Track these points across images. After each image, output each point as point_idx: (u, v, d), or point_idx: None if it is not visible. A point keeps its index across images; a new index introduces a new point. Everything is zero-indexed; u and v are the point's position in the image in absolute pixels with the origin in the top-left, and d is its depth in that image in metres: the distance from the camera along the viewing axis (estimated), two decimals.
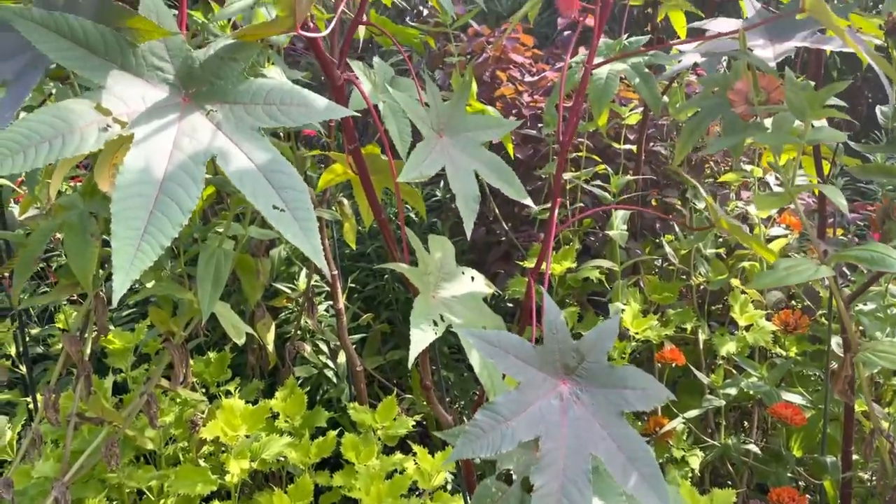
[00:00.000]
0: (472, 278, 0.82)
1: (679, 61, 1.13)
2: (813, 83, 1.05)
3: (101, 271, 1.04)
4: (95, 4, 0.62)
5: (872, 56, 0.76)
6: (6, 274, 1.18)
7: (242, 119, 0.63)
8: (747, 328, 1.40)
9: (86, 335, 1.06)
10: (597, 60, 0.92)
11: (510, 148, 1.54)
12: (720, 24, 0.98)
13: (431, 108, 0.81)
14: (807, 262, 0.81)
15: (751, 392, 1.32)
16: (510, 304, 1.77)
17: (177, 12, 0.72)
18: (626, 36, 1.35)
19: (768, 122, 0.91)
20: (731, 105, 0.86)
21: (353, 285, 1.85)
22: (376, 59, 1.04)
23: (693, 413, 1.32)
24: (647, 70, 1.24)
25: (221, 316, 1.09)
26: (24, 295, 1.88)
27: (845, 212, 0.79)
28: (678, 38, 1.49)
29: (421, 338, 0.68)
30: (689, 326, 1.46)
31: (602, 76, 1.17)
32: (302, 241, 0.58)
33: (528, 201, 0.83)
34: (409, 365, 0.67)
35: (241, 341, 1.09)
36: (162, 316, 1.07)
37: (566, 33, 2.07)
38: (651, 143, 1.67)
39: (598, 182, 1.50)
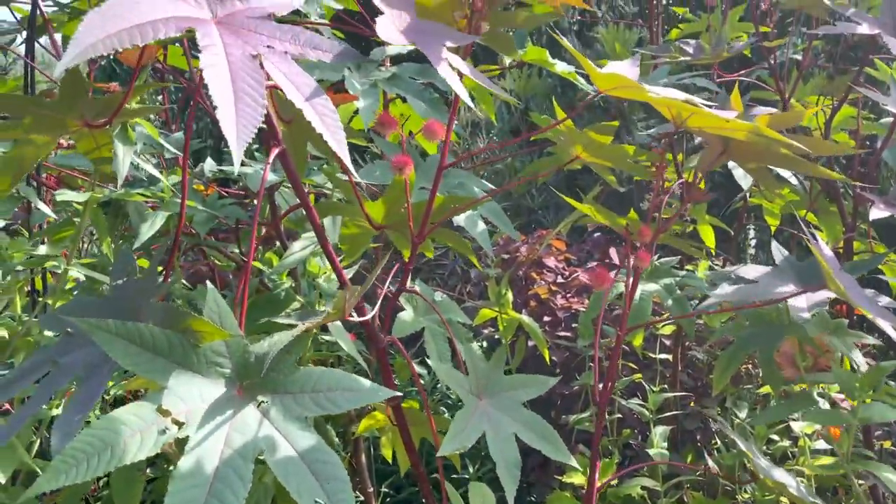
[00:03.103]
0: None
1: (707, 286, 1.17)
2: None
3: None
4: (164, 308, 0.68)
5: None
6: None
7: (290, 409, 0.66)
8: None
9: None
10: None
11: (545, 353, 1.56)
12: (749, 272, 1.01)
13: (471, 372, 0.84)
14: None
15: None
16: None
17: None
18: (656, 256, 1.40)
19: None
20: (778, 367, 0.88)
21: None
22: (419, 283, 1.09)
23: None
24: (679, 292, 1.28)
25: None
26: None
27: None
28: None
29: None
30: None
31: (635, 298, 1.21)
32: None
33: (572, 461, 0.83)
34: None
35: None
36: None
37: (596, 234, 2.16)
38: (688, 350, 1.68)
39: (637, 401, 1.50)
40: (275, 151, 0.74)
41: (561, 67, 1.12)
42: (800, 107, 1.45)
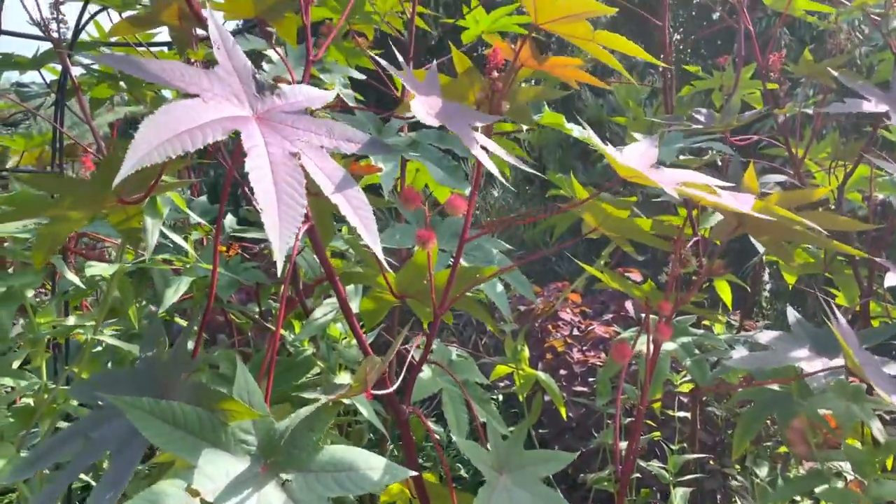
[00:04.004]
0: None
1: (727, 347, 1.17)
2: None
3: None
4: (194, 386, 0.69)
5: None
6: None
7: (313, 487, 0.67)
8: None
9: None
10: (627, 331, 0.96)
11: (563, 410, 1.56)
12: (765, 336, 1.02)
13: (492, 447, 0.84)
14: None
15: None
16: None
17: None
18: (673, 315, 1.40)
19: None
20: (790, 444, 0.88)
21: None
22: (437, 343, 1.10)
23: None
24: (697, 351, 1.28)
25: None
26: None
27: None
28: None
29: None
30: None
31: (659, 352, 1.21)
32: None
33: None
34: None
35: None
36: None
37: (611, 290, 2.16)
38: (706, 406, 1.67)
39: (656, 461, 1.49)
40: (304, 227, 0.76)
41: (577, 133, 1.14)
42: (814, 166, 1.47)
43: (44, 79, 1.48)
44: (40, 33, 1.33)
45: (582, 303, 2.03)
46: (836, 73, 1.04)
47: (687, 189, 0.69)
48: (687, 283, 1.68)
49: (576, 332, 1.87)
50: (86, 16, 1.38)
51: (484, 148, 0.70)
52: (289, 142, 0.57)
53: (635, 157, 0.75)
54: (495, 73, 0.81)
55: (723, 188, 0.73)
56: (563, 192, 1.51)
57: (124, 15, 1.38)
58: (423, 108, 0.67)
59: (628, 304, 1.98)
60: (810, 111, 2.14)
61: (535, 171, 0.87)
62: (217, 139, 0.52)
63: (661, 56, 1.64)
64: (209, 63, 0.97)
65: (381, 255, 0.58)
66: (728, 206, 0.69)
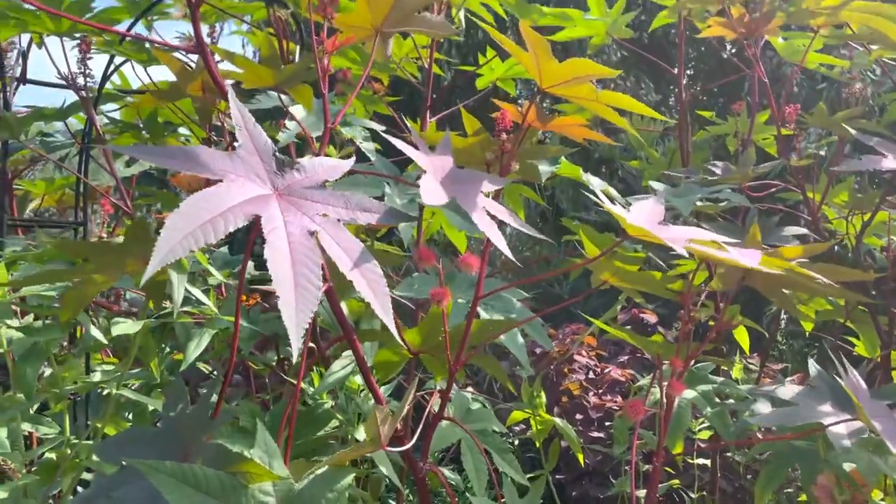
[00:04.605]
0: None
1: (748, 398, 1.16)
2: None
3: None
4: (216, 449, 0.70)
5: None
6: None
7: None
8: None
9: None
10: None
11: (580, 456, 1.55)
12: (787, 392, 1.01)
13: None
14: None
15: None
16: None
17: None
18: (692, 362, 1.40)
19: None
20: (815, 501, 0.87)
21: None
22: (454, 392, 1.10)
23: None
24: (717, 400, 1.26)
25: None
26: None
27: None
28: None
29: None
30: None
31: (673, 406, 1.20)
32: None
33: None
34: None
35: None
36: None
37: (628, 327, 2.15)
38: (727, 453, 1.65)
39: None
40: (324, 287, 0.77)
41: (594, 186, 1.15)
42: (831, 213, 1.47)
43: (68, 128, 1.51)
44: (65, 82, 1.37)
45: (597, 344, 2.03)
46: (853, 131, 1.05)
47: (694, 246, 0.70)
48: (703, 329, 1.68)
49: (591, 374, 1.87)
50: (110, 67, 1.42)
51: (492, 216, 0.71)
52: (308, 217, 0.58)
53: (643, 215, 0.76)
54: (504, 136, 0.82)
55: (730, 243, 0.73)
56: (578, 264, 1.52)
57: (150, 69, 1.42)
58: (431, 188, 0.68)
59: None
60: (823, 152, 2.14)
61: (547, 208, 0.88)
62: (239, 225, 0.54)
63: (674, 97, 1.65)
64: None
65: (394, 331, 0.59)
66: (735, 262, 0.70)
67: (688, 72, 4.05)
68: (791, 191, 1.58)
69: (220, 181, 0.57)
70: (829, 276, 0.78)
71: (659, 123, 2.17)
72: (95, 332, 0.91)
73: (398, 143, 0.70)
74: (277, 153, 0.63)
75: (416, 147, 0.72)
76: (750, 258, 0.69)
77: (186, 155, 0.57)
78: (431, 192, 0.65)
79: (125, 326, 0.86)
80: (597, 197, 0.78)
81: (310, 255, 0.56)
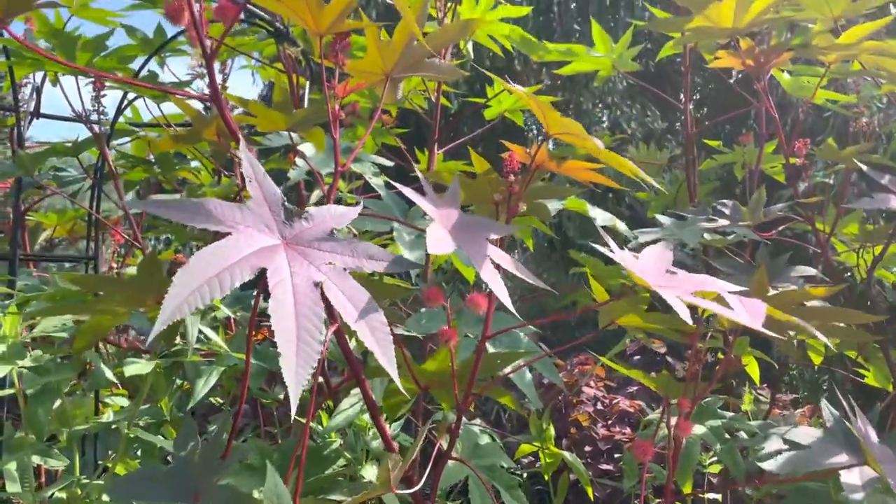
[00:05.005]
0: None
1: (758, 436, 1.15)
2: None
3: None
4: (226, 491, 0.70)
5: None
6: None
7: None
8: None
9: None
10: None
11: (589, 491, 1.53)
12: (800, 435, 1.00)
13: None
14: None
15: None
16: None
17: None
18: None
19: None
20: None
21: None
22: (463, 426, 1.09)
23: None
24: (727, 436, 1.25)
25: None
26: None
27: None
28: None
29: None
30: None
31: (683, 442, 1.19)
32: None
33: None
34: None
35: None
36: None
37: (636, 358, 2.15)
38: (738, 488, 1.63)
39: None
40: (332, 328, 0.77)
41: (600, 221, 1.16)
42: (841, 246, 1.47)
43: (80, 162, 1.53)
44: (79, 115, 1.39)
45: (605, 375, 2.02)
46: (864, 167, 1.05)
47: (697, 301, 0.70)
48: (713, 362, 1.67)
49: (600, 405, 1.86)
50: (124, 102, 1.44)
51: (498, 266, 0.71)
52: (314, 267, 0.59)
53: (651, 262, 0.77)
54: (512, 178, 0.83)
55: (735, 292, 0.73)
56: (589, 306, 1.53)
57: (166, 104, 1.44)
58: (437, 237, 0.68)
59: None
60: (831, 180, 2.13)
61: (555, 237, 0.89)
62: (245, 279, 0.55)
63: (681, 126, 1.66)
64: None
65: (398, 381, 0.59)
66: (738, 319, 0.70)
67: (694, 96, 4.07)
68: (799, 221, 1.58)
69: (230, 233, 0.58)
70: (839, 320, 0.78)
71: (664, 154, 2.18)
72: (108, 374, 0.91)
73: (407, 192, 0.70)
74: (286, 203, 0.64)
75: (424, 193, 0.73)
76: (754, 314, 0.69)
77: (197, 209, 0.58)
78: (437, 242, 0.66)
79: (137, 367, 0.86)
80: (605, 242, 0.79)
81: (313, 307, 0.56)
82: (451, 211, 0.73)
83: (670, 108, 4.01)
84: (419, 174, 0.79)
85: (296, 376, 0.53)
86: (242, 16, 1.36)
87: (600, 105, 4.40)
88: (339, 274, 0.61)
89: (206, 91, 1.27)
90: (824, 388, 2.12)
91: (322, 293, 0.59)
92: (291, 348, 0.54)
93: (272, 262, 0.57)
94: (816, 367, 1.64)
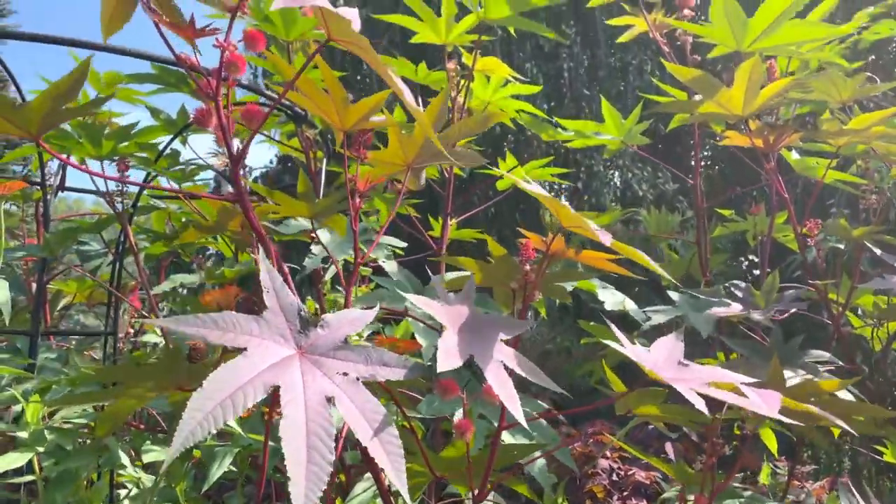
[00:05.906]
0: None
1: None
2: None
3: None
4: None
5: None
6: None
7: None
8: None
9: None
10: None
11: None
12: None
13: None
14: None
15: None
16: None
17: None
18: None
19: None
20: None
21: None
22: None
23: None
24: None
25: None
26: None
27: None
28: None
29: None
30: None
31: None
32: None
33: None
34: None
35: None
36: None
37: (650, 427, 2.12)
38: None
39: None
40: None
41: (609, 306, 1.17)
42: (856, 321, 1.46)
43: (102, 238, 1.57)
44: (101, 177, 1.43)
45: (620, 446, 1.99)
46: (878, 251, 1.07)
47: (712, 392, 0.70)
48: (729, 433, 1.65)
49: (615, 476, 1.83)
50: (147, 180, 1.48)
51: (507, 368, 0.72)
52: (328, 378, 0.60)
53: (663, 353, 0.77)
54: (528, 267, 0.85)
55: (750, 384, 0.74)
56: (605, 400, 1.53)
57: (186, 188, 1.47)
58: (447, 350, 0.68)
59: (669, 447, 1.94)
60: (843, 245, 2.13)
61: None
62: (258, 399, 0.56)
63: (691, 185, 1.68)
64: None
65: (408, 499, 0.59)
66: (755, 410, 0.70)
67: (705, 160, 4.11)
68: (811, 291, 1.58)
69: (245, 349, 0.59)
70: (854, 413, 0.78)
71: (676, 218, 2.19)
72: (125, 460, 0.92)
73: (419, 301, 0.72)
74: (302, 312, 0.65)
75: (437, 296, 0.74)
76: (770, 404, 0.69)
77: (216, 323, 0.59)
78: (447, 357, 0.65)
79: (155, 455, 0.87)
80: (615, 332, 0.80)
81: (325, 425, 0.56)
82: (463, 308, 0.75)
83: (681, 167, 4.05)
84: (434, 278, 0.80)
85: (304, 499, 0.53)
86: (262, 98, 1.41)
87: (611, 167, 4.45)
88: (353, 384, 0.62)
89: (226, 169, 1.31)
90: (845, 459, 2.08)
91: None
92: (300, 470, 0.54)
93: (285, 377, 0.58)
94: (836, 436, 1.62)
